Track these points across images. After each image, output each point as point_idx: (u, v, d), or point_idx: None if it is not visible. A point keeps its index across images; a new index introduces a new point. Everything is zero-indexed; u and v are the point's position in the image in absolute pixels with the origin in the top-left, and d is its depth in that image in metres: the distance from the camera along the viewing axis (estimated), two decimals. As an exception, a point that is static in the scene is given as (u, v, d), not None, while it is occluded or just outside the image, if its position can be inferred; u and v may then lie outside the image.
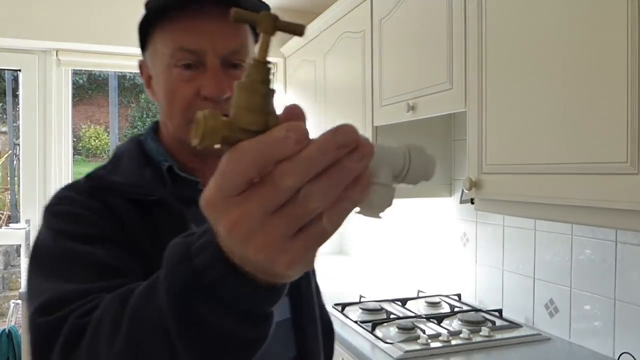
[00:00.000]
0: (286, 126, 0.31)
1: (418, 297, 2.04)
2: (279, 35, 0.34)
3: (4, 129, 2.96)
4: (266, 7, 0.77)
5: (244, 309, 0.38)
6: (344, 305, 1.93)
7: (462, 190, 1.92)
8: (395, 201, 0.37)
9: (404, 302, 1.97)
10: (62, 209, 0.70)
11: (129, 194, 0.72)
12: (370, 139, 2.01)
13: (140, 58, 0.83)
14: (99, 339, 0.46)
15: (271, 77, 0.36)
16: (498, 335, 1.59)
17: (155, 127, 0.87)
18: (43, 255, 0.66)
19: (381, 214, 0.37)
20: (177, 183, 0.77)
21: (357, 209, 0.36)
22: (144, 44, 0.80)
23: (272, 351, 0.78)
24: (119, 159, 0.80)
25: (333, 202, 0.32)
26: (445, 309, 1.91)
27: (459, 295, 2.04)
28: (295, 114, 0.33)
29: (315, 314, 0.89)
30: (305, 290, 0.87)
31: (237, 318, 0.38)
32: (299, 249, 0.33)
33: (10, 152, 2.92)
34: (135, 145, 0.82)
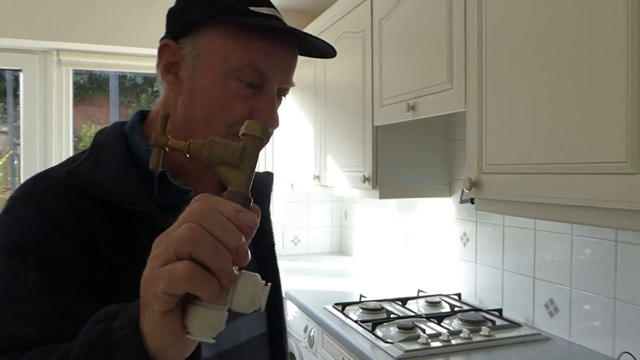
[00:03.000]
0: None
1: (418, 297, 2.04)
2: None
3: (4, 129, 2.96)
4: (332, 49, 0.78)
5: None
6: (344, 305, 1.93)
7: (462, 190, 1.92)
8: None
9: (404, 301, 1.97)
10: (23, 212, 0.63)
11: (109, 199, 0.65)
12: (371, 140, 2.01)
13: (166, 37, 0.74)
14: None
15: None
16: (498, 335, 1.59)
17: (141, 119, 0.79)
18: None
19: (213, 337, 0.44)
20: (165, 190, 0.70)
21: (190, 332, 0.44)
22: (189, 28, 0.72)
23: None
24: (100, 152, 0.72)
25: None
26: (446, 308, 1.91)
27: (459, 295, 2.04)
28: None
29: (286, 327, 0.91)
30: (281, 303, 0.89)
31: None
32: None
33: (11, 152, 2.92)
34: (119, 139, 0.74)
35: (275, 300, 0.87)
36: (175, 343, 0.44)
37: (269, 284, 0.47)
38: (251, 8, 0.71)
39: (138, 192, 0.67)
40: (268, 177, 0.93)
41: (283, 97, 0.77)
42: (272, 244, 0.91)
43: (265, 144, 0.50)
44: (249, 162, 0.48)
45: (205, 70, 0.71)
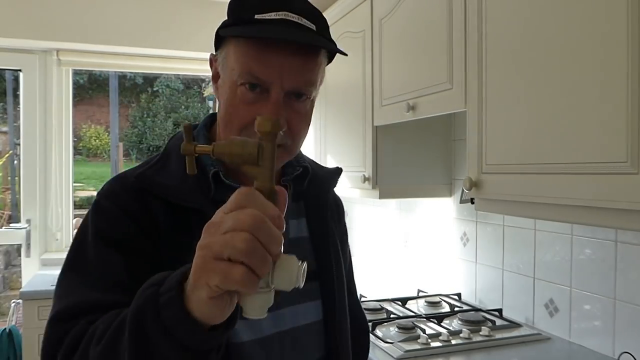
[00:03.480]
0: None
1: (418, 297, 2.04)
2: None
3: (4, 129, 2.96)
4: (340, 51, 0.78)
5: (183, 341, 0.52)
6: (344, 305, 1.93)
7: (462, 190, 1.92)
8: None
9: (404, 301, 1.97)
10: (106, 206, 0.77)
11: (170, 198, 0.77)
12: (371, 140, 2.01)
13: (212, 52, 0.84)
14: (90, 344, 0.61)
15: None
16: (498, 335, 1.59)
17: (211, 121, 0.88)
18: (81, 255, 0.74)
19: (265, 313, 0.51)
20: (221, 188, 0.79)
21: (244, 313, 0.51)
22: (219, 41, 0.81)
23: (302, 351, 0.84)
24: (168, 156, 0.83)
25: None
26: (445, 308, 1.91)
27: (459, 295, 2.04)
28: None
29: (346, 316, 0.93)
30: (337, 293, 0.91)
31: (176, 347, 0.52)
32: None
33: (10, 152, 2.92)
34: None
35: (329, 290, 0.89)
36: (219, 315, 0.51)
37: (305, 262, 0.52)
38: (257, 16, 0.74)
39: (195, 192, 0.78)
40: (335, 173, 1.00)
41: (305, 98, 0.78)
42: (332, 239, 0.94)
43: (279, 130, 0.54)
44: (267, 158, 0.53)
45: (225, 79, 0.79)
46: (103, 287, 0.70)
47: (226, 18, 0.79)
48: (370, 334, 1.61)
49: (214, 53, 0.84)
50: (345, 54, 0.80)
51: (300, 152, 0.95)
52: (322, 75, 0.81)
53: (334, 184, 1.00)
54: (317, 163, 1.00)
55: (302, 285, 0.51)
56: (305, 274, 0.52)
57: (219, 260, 0.48)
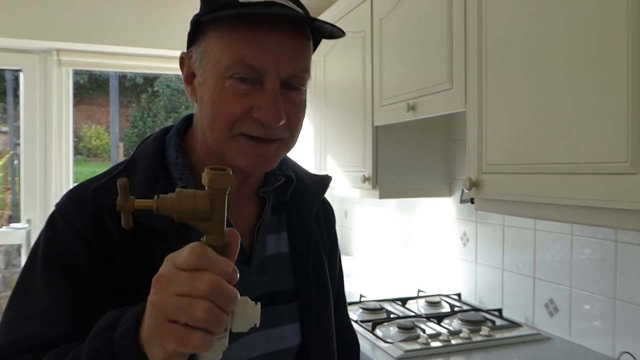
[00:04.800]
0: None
1: (418, 297, 2.04)
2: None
3: (4, 129, 2.96)
4: (339, 30, 0.71)
5: None
6: (344, 305, 1.93)
7: (462, 190, 1.92)
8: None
9: (404, 301, 1.97)
10: (59, 226, 0.70)
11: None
12: (371, 140, 2.01)
13: (184, 51, 0.76)
14: None
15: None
16: (498, 335, 1.59)
17: (185, 126, 0.80)
18: (29, 282, 0.69)
19: (220, 356, 0.51)
20: None
21: (201, 357, 0.50)
22: (194, 36, 0.73)
23: None
24: (134, 165, 0.75)
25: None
26: (445, 308, 1.92)
27: (459, 295, 2.04)
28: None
29: (330, 338, 0.86)
30: (319, 314, 0.83)
31: None
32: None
33: (11, 152, 2.92)
34: (156, 150, 0.76)
35: (308, 311, 0.82)
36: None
37: (259, 303, 0.52)
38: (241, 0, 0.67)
39: None
40: (324, 181, 0.92)
41: (301, 87, 0.71)
42: (317, 254, 0.86)
43: (232, 183, 0.50)
44: (219, 212, 0.50)
45: (207, 75, 0.70)
46: (48, 320, 0.65)
47: (200, 10, 0.72)
48: (371, 334, 1.62)
49: (185, 51, 0.75)
50: (343, 34, 0.73)
51: (285, 156, 0.86)
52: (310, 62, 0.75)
53: (322, 193, 0.91)
54: (303, 169, 0.91)
55: (259, 323, 0.51)
56: (259, 312, 0.52)
57: (174, 324, 0.46)
